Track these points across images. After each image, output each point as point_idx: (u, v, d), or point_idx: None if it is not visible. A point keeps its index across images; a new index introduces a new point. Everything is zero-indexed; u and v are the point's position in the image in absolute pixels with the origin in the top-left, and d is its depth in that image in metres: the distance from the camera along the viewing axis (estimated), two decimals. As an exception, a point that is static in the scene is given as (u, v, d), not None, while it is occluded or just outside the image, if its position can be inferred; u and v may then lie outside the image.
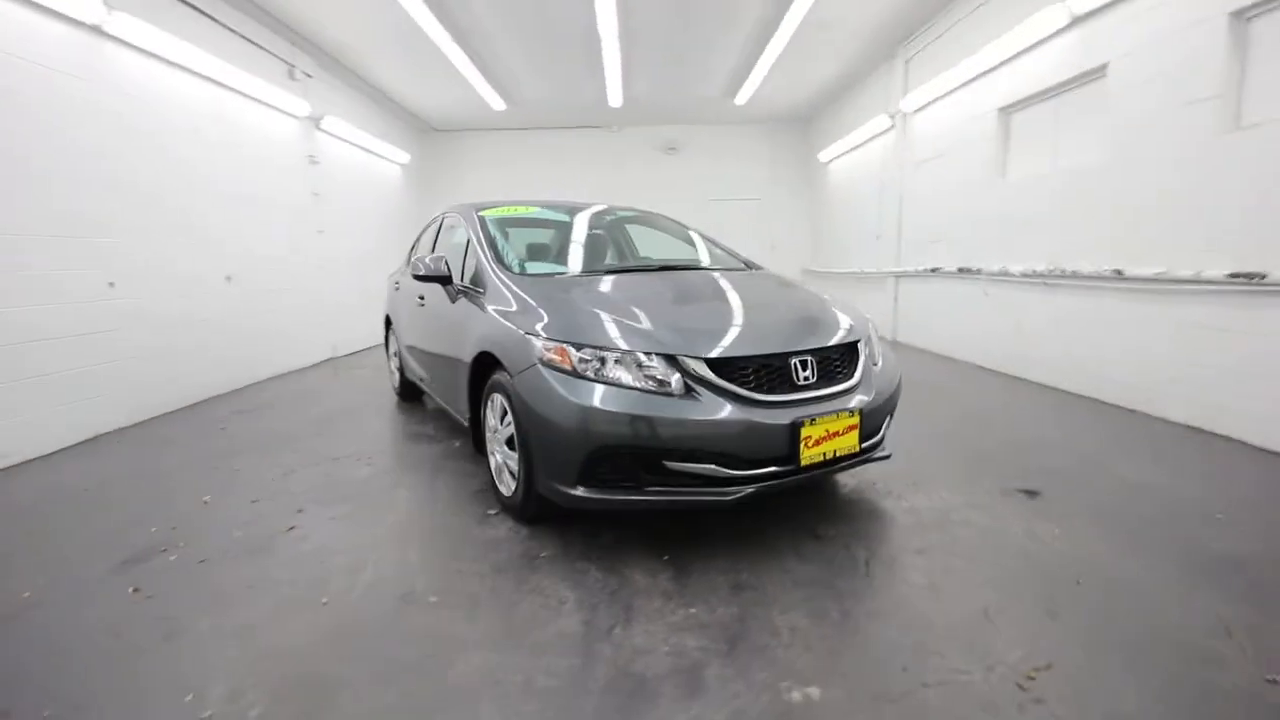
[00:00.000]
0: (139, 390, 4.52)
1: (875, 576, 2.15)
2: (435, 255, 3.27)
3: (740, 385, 2.20)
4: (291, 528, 2.65)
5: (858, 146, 8.73)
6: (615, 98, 8.78)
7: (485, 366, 2.79)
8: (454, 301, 3.22)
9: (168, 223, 4.85)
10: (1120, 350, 4.19)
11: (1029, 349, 5.16)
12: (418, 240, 4.89)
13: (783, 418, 2.17)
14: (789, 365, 2.29)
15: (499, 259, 3.05)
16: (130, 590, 2.15)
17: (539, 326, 2.38)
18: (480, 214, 3.50)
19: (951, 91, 6.21)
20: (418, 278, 3.27)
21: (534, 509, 2.49)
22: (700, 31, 6.71)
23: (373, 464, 3.49)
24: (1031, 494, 2.82)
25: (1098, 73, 4.39)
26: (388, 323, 5.25)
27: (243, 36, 5.75)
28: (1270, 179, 3.25)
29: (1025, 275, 5.11)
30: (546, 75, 8.03)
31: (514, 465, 2.53)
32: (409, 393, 4.99)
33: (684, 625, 1.87)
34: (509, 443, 2.55)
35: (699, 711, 1.51)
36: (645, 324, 2.34)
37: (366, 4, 5.90)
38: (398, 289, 4.74)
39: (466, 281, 3.20)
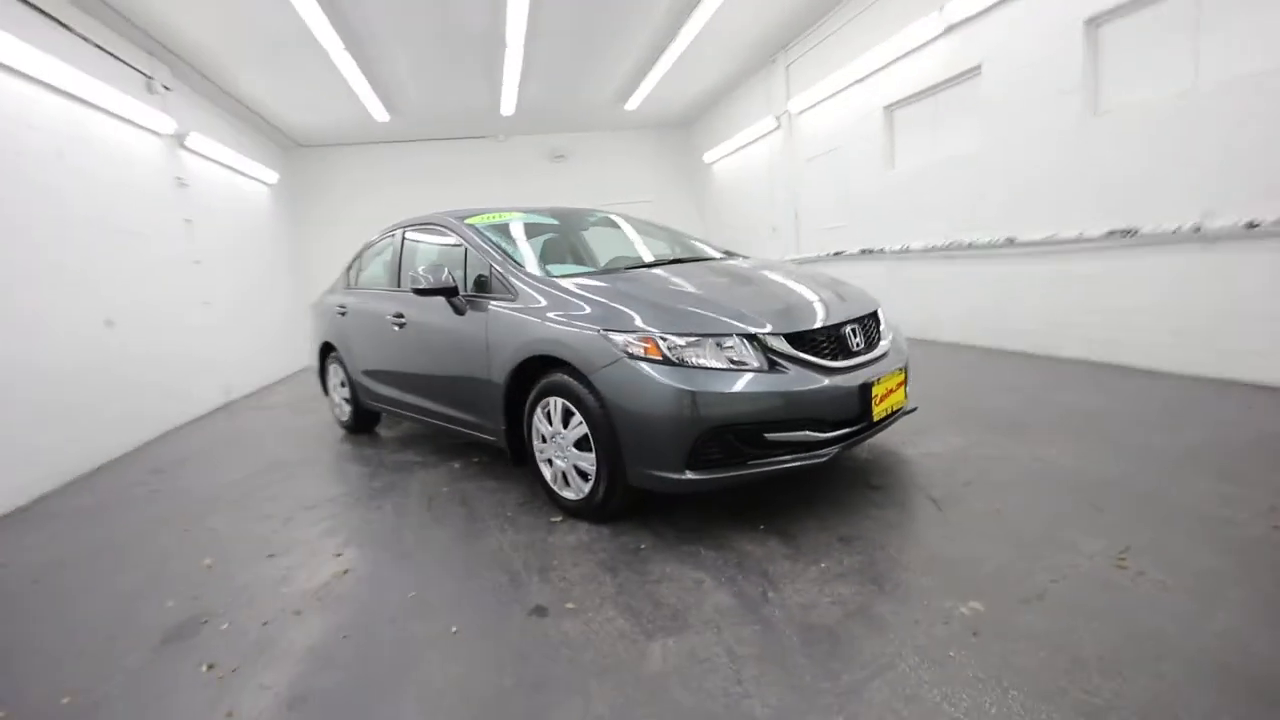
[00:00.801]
0: (30, 462, 3.78)
1: (947, 510, 2.42)
2: (431, 267, 3.10)
3: (815, 355, 2.37)
4: (345, 571, 2.41)
5: (743, 146, 9.35)
6: (508, 105, 8.66)
7: (529, 373, 2.73)
8: (462, 313, 3.08)
9: (37, 261, 4.09)
10: (1020, 305, 4.96)
11: (937, 314, 5.90)
12: (358, 260, 4.55)
13: (853, 381, 2.38)
14: (844, 334, 2.51)
15: (518, 264, 2.98)
16: (203, 668, 1.86)
17: (613, 321, 2.39)
18: (469, 223, 3.38)
19: (837, 93, 6.90)
20: (420, 292, 3.10)
21: (618, 505, 2.49)
22: (604, 36, 6.85)
23: (378, 500, 3.23)
24: (1017, 427, 3.29)
25: (973, 71, 5.15)
26: (324, 352, 4.82)
27: (96, 45, 4.97)
28: (1126, 153, 4.04)
29: (926, 250, 5.84)
30: (439, 83, 7.73)
31: (587, 466, 2.50)
32: (364, 424, 4.62)
33: (825, 578, 2.01)
34: (580, 444, 2.51)
35: (900, 638, 1.66)
36: (710, 309, 2.44)
37: (241, 5, 5.33)
38: (344, 313, 4.37)
39: (472, 291, 3.08)
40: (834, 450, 2.32)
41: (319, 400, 6.10)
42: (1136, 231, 3.98)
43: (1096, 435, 3.06)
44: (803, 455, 2.29)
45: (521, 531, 2.62)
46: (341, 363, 4.51)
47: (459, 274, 3.20)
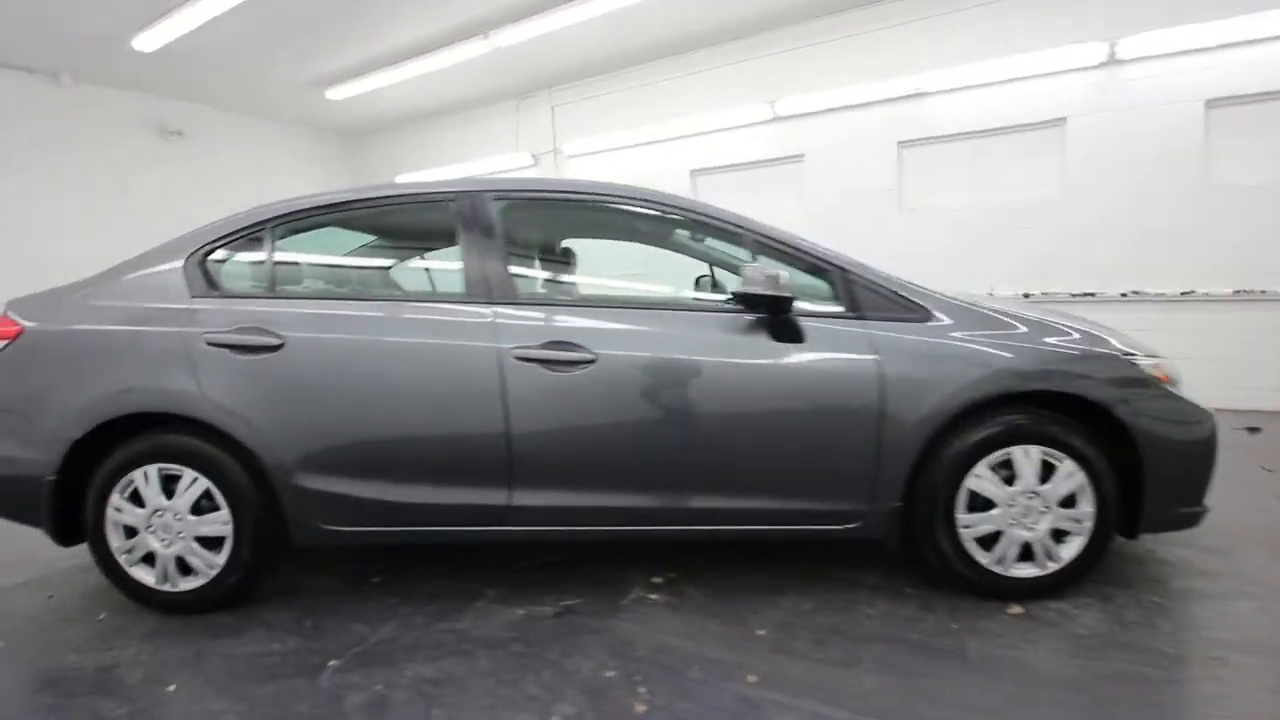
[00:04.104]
0: None
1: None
2: (764, 266, 1.96)
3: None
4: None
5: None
6: (160, 38, 5.44)
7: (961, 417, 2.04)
8: (799, 339, 2.03)
9: None
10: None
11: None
12: (267, 245, 2.26)
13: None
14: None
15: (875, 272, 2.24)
16: None
17: (1115, 341, 2.10)
18: (695, 204, 2.44)
19: (632, 147, 7.03)
20: (753, 301, 1.91)
21: (1098, 560, 2.11)
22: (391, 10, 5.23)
23: (668, 683, 1.72)
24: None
25: (797, 158, 6.22)
26: (94, 441, 2.11)
27: None
28: (929, 239, 5.64)
29: (742, 302, 6.56)
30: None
31: (1069, 524, 2.04)
32: (244, 587, 2.20)
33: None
34: (1066, 502, 2.03)
35: None
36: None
37: None
38: (275, 346, 2.06)
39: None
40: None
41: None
42: (944, 296, 5.60)
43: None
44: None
45: (1025, 646, 1.88)
46: (219, 459, 2.07)
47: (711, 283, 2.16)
